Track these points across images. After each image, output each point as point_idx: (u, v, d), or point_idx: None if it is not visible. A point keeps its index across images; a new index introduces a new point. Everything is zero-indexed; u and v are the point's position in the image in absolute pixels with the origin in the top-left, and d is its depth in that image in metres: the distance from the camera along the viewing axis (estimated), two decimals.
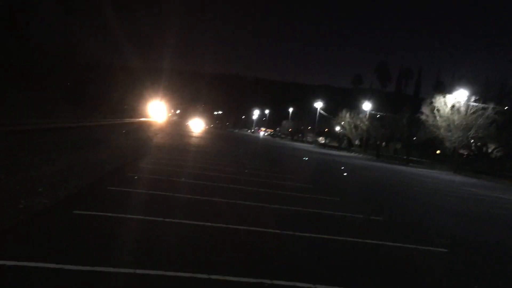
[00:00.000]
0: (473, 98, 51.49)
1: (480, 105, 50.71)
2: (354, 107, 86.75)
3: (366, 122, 78.36)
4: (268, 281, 5.75)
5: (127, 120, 61.13)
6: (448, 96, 53.63)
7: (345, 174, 26.91)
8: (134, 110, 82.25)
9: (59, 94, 41.54)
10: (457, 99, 52.38)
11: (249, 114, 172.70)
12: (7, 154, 12.89)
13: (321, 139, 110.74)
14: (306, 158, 39.04)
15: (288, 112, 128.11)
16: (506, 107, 53.97)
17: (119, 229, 7.50)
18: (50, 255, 5.64)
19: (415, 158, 66.57)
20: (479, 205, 20.04)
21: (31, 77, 35.48)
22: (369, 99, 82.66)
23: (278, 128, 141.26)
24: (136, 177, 13.10)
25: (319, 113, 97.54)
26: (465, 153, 67.24)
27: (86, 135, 24.86)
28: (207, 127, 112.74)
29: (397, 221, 12.28)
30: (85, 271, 5.26)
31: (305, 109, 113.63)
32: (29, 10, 34.93)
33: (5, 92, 32.00)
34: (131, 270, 5.47)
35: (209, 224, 8.41)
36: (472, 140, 56.84)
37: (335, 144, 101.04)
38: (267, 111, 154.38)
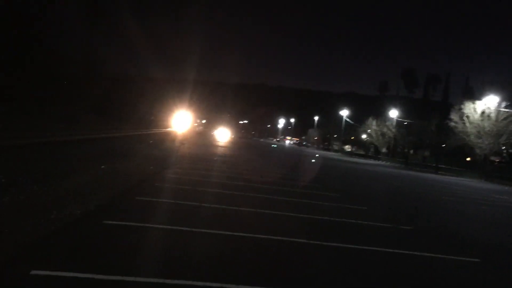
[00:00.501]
0: (503, 104, 50.25)
1: (511, 111, 49.45)
2: (381, 115, 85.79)
3: (393, 130, 77.37)
4: None
5: (154, 130, 61.92)
6: (478, 102, 52.51)
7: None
8: (160, 121, 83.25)
9: (88, 106, 42.40)
10: (487, 105, 51.23)
11: (275, 123, 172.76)
12: (39, 165, 13.19)
13: (347, 147, 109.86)
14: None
15: (314, 120, 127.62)
16: None
17: (148, 239, 7.57)
18: (81, 265, 5.72)
19: (444, 166, 65.23)
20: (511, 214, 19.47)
21: (57, 90, 36.32)
22: (395, 106, 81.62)
23: (303, 137, 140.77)
24: (163, 187, 13.23)
25: (345, 121, 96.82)
26: (497, 160, 65.62)
27: (115, 146, 25.25)
28: (232, 136, 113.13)
29: (427, 231, 12.02)
30: (115, 280, 5.31)
31: (331, 117, 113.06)
32: (57, 24, 35.91)
33: (35, 104, 32.85)
34: (161, 280, 5.49)
35: (237, 233, 8.40)
36: (504, 147, 55.39)
37: (361, 152, 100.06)
38: (292, 120, 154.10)
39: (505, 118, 49.71)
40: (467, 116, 52.97)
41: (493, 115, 50.47)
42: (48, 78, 34.76)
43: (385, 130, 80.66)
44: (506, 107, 49.99)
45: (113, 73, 52.01)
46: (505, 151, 59.02)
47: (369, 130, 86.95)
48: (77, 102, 40.66)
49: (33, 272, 5.26)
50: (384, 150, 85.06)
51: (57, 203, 8.63)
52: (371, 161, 72.22)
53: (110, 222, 8.06)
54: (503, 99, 50.52)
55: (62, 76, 37.52)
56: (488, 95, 51.50)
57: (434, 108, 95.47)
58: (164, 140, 42.89)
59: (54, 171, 12.29)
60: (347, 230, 10.51)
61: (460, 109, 54.60)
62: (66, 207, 8.42)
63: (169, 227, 8.33)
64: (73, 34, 41.51)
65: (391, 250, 8.69)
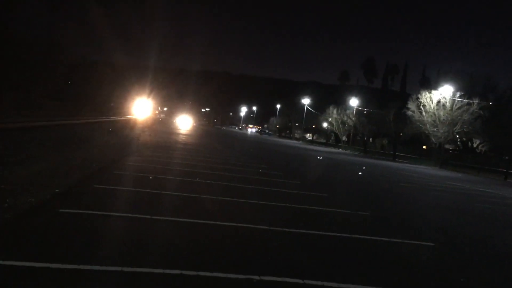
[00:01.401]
0: (458, 94, 52.04)
1: (465, 100, 51.28)
2: (341, 103, 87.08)
3: (353, 118, 78.73)
4: (256, 277, 5.74)
5: (113, 118, 60.55)
6: (434, 92, 54.14)
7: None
8: (120, 108, 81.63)
9: (44, 92, 41.03)
10: (442, 94, 52.91)
11: (237, 111, 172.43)
12: None
13: (309, 136, 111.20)
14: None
15: (276, 108, 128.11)
16: (491, 102, 54.61)
17: (105, 227, 7.44)
18: (36, 254, 5.57)
19: (401, 154, 67.09)
20: (465, 200, 20.26)
21: (15, 75, 34.97)
22: (355, 95, 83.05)
23: (265, 125, 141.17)
24: (123, 175, 13.02)
25: (307, 109, 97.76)
26: (451, 148, 68.02)
27: (72, 133, 24.57)
28: (194, 124, 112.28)
29: (384, 216, 12.36)
30: (71, 269, 5.20)
31: (293, 106, 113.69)
32: (12, 6, 34.41)
33: None
34: (118, 268, 5.42)
35: (197, 221, 8.38)
36: (458, 135, 57.47)
37: (322, 140, 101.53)
38: (254, 108, 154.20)
39: (459, 108, 51.51)
40: (424, 106, 54.57)
41: (448, 104, 52.19)
42: (6, 62, 33.38)
43: (345, 118, 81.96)
44: (460, 96, 51.77)
45: (74, 58, 50.45)
46: (459, 139, 61.22)
47: (330, 119, 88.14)
48: (35, 87, 39.27)
49: None
50: (344, 138, 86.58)
51: (10, 191, 8.35)
52: (332, 149, 73.41)
53: (66, 210, 7.87)
54: (457, 89, 52.31)
55: (20, 61, 36.07)
56: (443, 85, 53.18)
57: (392, 97, 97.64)
58: (124, 127, 42.07)
59: (9, 159, 11.87)
60: (308, 216, 10.67)
61: (417, 98, 56.17)
62: (21, 196, 8.16)
63: (128, 215, 8.22)
64: (32, 16, 39.90)
65: (349, 235, 8.89)
